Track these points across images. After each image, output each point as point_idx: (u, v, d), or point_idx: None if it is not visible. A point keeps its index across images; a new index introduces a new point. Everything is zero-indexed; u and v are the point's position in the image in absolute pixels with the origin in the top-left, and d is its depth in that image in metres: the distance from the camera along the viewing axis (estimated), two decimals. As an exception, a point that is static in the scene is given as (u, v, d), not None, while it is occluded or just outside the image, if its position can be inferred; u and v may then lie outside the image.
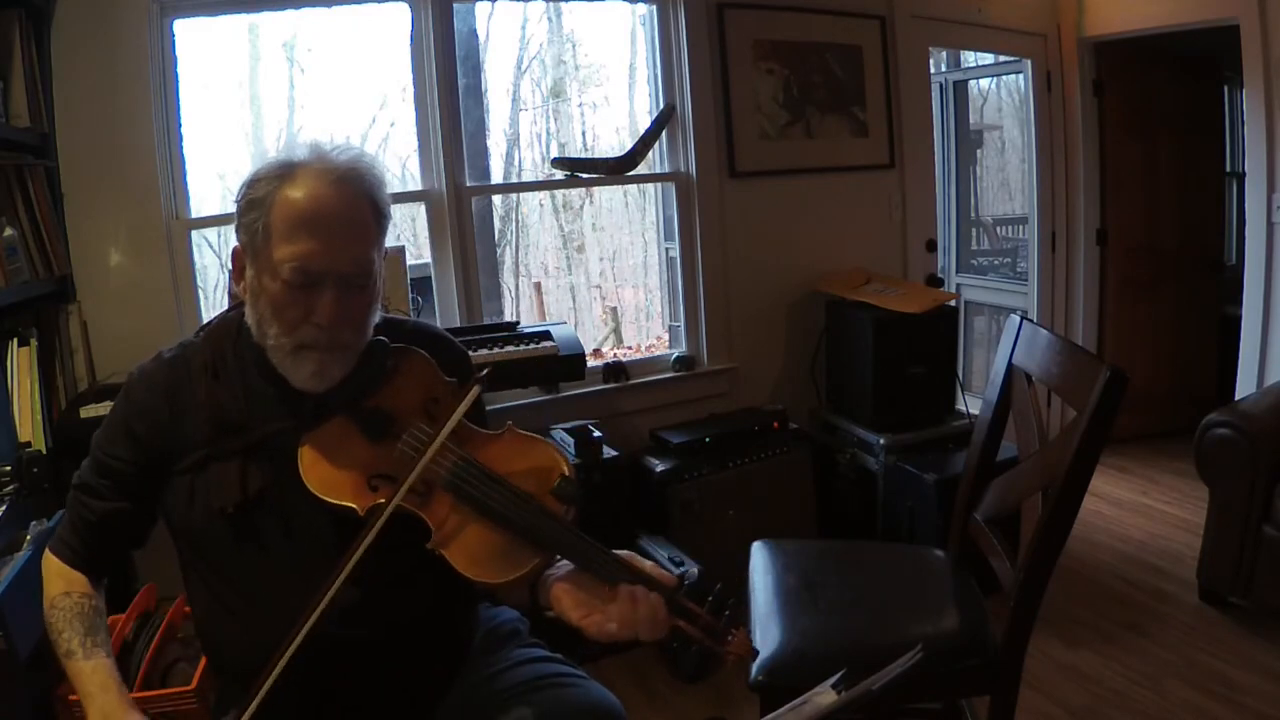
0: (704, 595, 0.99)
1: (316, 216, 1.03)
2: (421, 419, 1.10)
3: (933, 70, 3.88)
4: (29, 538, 1.52)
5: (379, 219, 1.09)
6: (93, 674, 1.04)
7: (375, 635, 1.09)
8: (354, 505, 1.03)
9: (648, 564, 1.02)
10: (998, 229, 4.83)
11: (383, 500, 1.02)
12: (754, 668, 1.41)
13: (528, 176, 4.08)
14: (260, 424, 1.10)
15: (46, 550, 1.16)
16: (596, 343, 4.14)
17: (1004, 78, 4.49)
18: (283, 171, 1.04)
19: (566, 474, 1.07)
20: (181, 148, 2.40)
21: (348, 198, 1.05)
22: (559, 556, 1.05)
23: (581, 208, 4.40)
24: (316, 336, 1.05)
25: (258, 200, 1.04)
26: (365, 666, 1.10)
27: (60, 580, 1.12)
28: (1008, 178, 4.84)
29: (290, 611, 0.98)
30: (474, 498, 1.04)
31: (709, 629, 0.97)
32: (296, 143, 1.10)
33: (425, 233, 2.78)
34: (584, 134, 4.10)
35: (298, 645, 0.96)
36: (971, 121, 4.57)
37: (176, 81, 2.38)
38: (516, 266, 4.22)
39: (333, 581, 0.98)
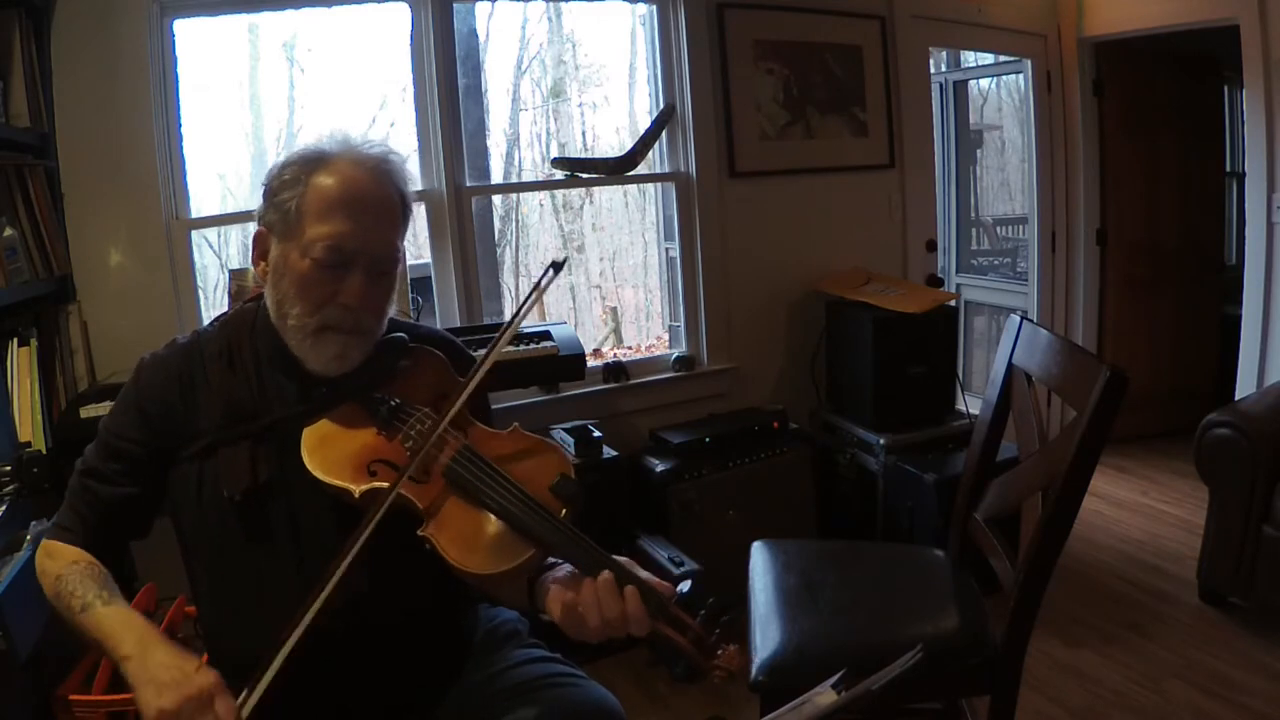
0: (698, 608, 0.97)
1: (352, 199, 1.07)
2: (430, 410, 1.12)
3: (933, 70, 3.88)
4: (29, 538, 1.52)
5: (405, 211, 1.14)
6: (114, 614, 1.00)
7: (378, 633, 1.09)
8: (350, 487, 1.02)
9: (644, 573, 1.00)
10: (998, 229, 4.83)
11: (379, 485, 1.02)
12: (754, 668, 1.41)
13: (528, 176, 4.08)
14: (272, 412, 1.10)
15: (44, 541, 1.12)
16: (596, 343, 4.13)
17: (1004, 78, 4.49)
18: (317, 158, 1.09)
19: (566, 473, 1.07)
20: (181, 148, 2.40)
21: (381, 185, 1.10)
22: (552, 554, 1.04)
23: (581, 208, 4.40)
24: (341, 318, 1.08)
25: (291, 181, 1.08)
26: (366, 665, 1.11)
27: (66, 554, 1.08)
28: (1008, 178, 4.83)
29: (294, 603, 0.97)
30: (471, 486, 1.04)
31: (698, 641, 0.95)
32: (325, 135, 1.13)
33: (425, 233, 2.78)
34: (584, 134, 4.10)
35: (304, 628, 0.95)
36: (971, 121, 4.57)
37: (176, 81, 2.38)
38: (516, 266, 4.22)
39: (339, 563, 0.96)
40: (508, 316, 3.16)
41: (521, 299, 1.27)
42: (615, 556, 1.02)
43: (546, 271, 1.13)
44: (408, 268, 2.55)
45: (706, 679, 0.94)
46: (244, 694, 0.93)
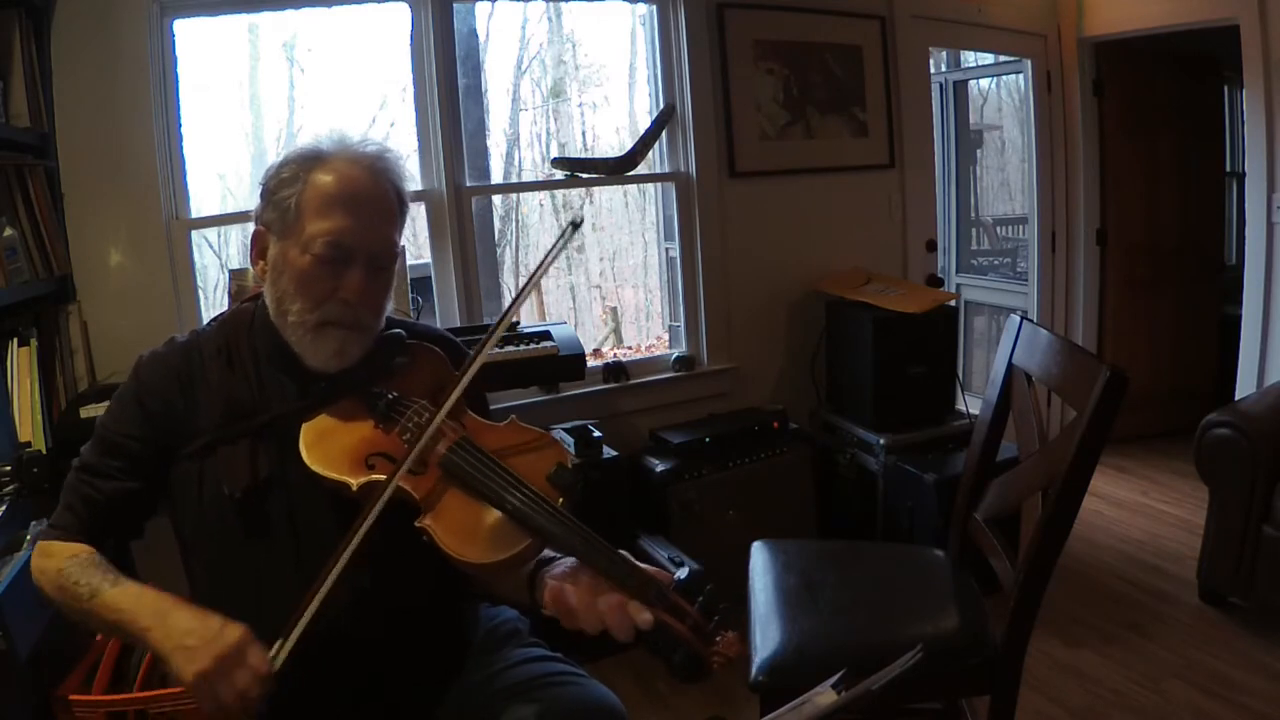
0: (696, 595, 0.97)
1: (350, 196, 1.08)
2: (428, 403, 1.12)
3: (933, 70, 3.88)
4: (29, 538, 1.52)
5: (401, 207, 1.15)
6: (125, 593, 1.00)
7: (378, 631, 1.09)
8: (349, 480, 1.03)
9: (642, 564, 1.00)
10: (998, 229, 4.83)
11: (377, 477, 1.02)
12: (754, 668, 1.41)
13: (528, 176, 4.09)
14: (271, 409, 1.11)
15: (39, 543, 1.11)
16: (596, 343, 4.14)
17: (1004, 78, 4.49)
18: (314, 156, 1.10)
19: (564, 462, 1.07)
20: (181, 148, 2.40)
21: (378, 182, 1.11)
22: (550, 545, 1.03)
23: (581, 208, 4.41)
24: (342, 313, 1.08)
25: (289, 179, 1.09)
26: (367, 665, 1.11)
27: (63, 550, 1.07)
28: (1008, 178, 4.84)
29: (293, 600, 0.97)
30: (468, 476, 1.04)
31: (697, 628, 0.95)
32: (322, 134, 1.14)
33: (425, 233, 2.78)
34: (584, 134, 4.10)
35: (311, 615, 0.95)
36: (971, 121, 4.57)
37: (176, 81, 2.38)
38: (516, 266, 4.22)
39: (341, 553, 0.96)
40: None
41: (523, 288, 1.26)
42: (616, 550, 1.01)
43: (565, 230, 1.13)
44: (408, 267, 2.55)
45: (705, 666, 0.94)
46: (277, 644, 0.94)
